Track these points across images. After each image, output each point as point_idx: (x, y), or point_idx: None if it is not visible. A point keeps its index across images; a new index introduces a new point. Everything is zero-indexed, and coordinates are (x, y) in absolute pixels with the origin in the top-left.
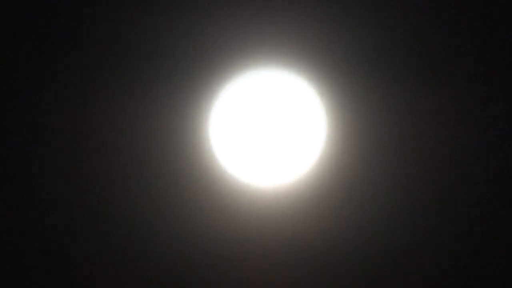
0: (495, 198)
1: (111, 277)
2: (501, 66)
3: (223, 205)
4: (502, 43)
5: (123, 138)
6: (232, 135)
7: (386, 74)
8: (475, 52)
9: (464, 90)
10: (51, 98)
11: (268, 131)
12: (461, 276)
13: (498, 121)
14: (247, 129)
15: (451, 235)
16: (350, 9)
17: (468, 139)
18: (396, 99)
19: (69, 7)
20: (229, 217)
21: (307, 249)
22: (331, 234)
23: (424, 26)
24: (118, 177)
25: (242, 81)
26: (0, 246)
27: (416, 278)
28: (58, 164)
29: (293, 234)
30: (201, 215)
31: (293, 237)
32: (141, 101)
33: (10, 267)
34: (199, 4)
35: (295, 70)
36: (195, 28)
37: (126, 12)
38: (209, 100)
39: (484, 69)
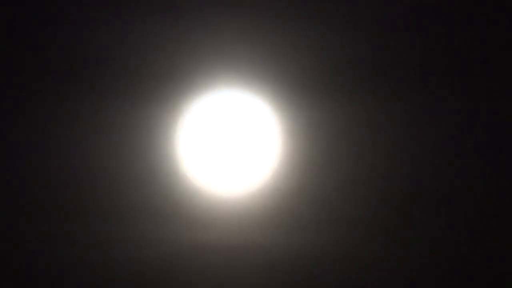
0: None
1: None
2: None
3: (186, 213)
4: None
5: (93, 149)
6: (196, 148)
7: (335, 93)
8: (432, 64)
9: (415, 97)
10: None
11: (229, 144)
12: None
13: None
14: (210, 143)
15: (409, 241)
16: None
17: (423, 148)
18: (341, 113)
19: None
20: (192, 224)
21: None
22: (284, 239)
23: (369, 44)
24: (87, 186)
25: (207, 99)
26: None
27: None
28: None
29: (251, 236)
30: (168, 221)
31: (250, 238)
32: (112, 114)
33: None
34: (177, 25)
35: (253, 90)
36: (169, 50)
37: (104, 27)
38: (177, 116)
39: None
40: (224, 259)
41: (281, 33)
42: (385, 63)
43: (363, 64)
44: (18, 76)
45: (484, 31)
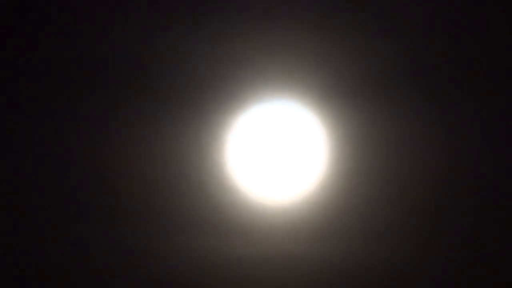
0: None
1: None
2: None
3: (237, 221)
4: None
5: (144, 159)
6: (245, 158)
7: (378, 102)
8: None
9: (453, 108)
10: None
11: (276, 154)
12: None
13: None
14: (259, 153)
15: (450, 249)
16: (346, 44)
17: (458, 154)
18: (386, 124)
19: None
20: (243, 231)
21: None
22: (329, 248)
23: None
24: (139, 196)
25: (255, 111)
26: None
27: None
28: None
29: (297, 246)
30: (215, 231)
31: (297, 247)
32: (162, 126)
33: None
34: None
35: (299, 102)
36: (217, 63)
37: (150, 42)
38: (227, 128)
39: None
40: (270, 270)
41: (324, 43)
42: (431, 70)
43: (407, 71)
44: (58, 83)
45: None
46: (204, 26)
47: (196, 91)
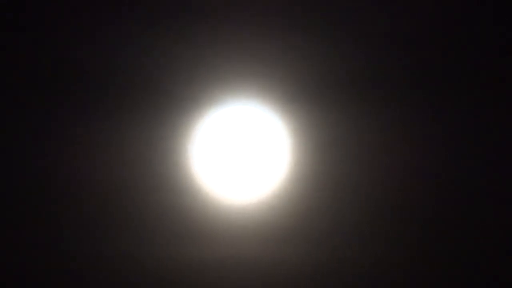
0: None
1: None
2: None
3: (198, 223)
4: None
5: (106, 162)
6: (207, 160)
7: (342, 106)
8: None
9: (418, 108)
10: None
11: (239, 156)
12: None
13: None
14: (221, 155)
15: (409, 251)
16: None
17: (429, 160)
18: (349, 127)
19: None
20: (208, 231)
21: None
22: (294, 244)
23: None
24: (100, 201)
25: (218, 114)
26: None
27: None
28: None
29: (259, 246)
30: (181, 230)
31: (264, 243)
32: (125, 128)
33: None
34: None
35: (261, 104)
36: (185, 65)
37: (116, 44)
38: (190, 128)
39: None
40: (230, 272)
41: (288, 46)
42: (399, 72)
43: (375, 73)
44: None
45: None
46: (164, 27)
47: (159, 94)
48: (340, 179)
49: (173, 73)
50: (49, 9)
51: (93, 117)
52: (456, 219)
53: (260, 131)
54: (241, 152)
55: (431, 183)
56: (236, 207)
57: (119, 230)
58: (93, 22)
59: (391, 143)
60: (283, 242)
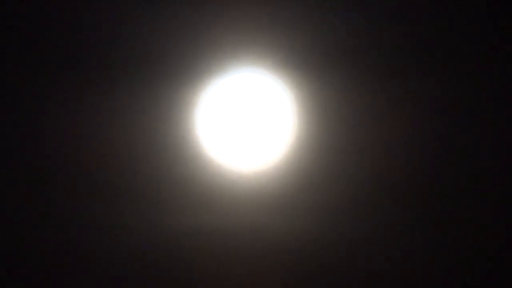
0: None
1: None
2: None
3: (207, 190)
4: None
5: (112, 131)
6: (216, 126)
7: (349, 74)
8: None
9: (432, 80)
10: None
11: (246, 122)
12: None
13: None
14: (229, 121)
15: (416, 229)
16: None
17: (431, 126)
18: (357, 96)
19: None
20: (213, 200)
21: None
22: (299, 214)
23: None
24: (104, 169)
25: (225, 79)
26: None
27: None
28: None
29: (268, 211)
30: (189, 198)
31: (268, 213)
32: (136, 97)
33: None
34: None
35: (268, 71)
36: (189, 32)
37: (119, 12)
38: (196, 95)
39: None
40: (235, 240)
41: (297, 13)
42: (406, 42)
43: (383, 43)
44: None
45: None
46: None
47: (164, 60)
48: (346, 147)
49: (178, 41)
50: None
51: (97, 86)
52: (464, 193)
53: (266, 99)
54: (246, 120)
55: (438, 152)
56: (242, 175)
57: (124, 200)
58: None
59: (398, 112)
60: (288, 211)
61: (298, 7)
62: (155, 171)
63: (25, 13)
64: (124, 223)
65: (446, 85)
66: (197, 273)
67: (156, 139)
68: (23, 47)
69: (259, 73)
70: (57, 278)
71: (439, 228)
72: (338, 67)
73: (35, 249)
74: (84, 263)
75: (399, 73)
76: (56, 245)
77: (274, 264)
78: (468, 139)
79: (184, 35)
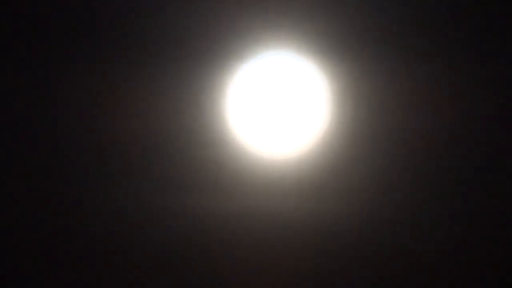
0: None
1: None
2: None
3: (237, 175)
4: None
5: (145, 113)
6: (246, 112)
7: (384, 59)
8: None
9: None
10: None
11: (278, 107)
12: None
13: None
14: (260, 105)
15: (457, 212)
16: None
17: (467, 112)
18: (391, 81)
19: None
20: (242, 186)
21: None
22: (331, 201)
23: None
24: (138, 153)
25: (256, 62)
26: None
27: (407, 252)
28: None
29: (298, 199)
30: (220, 183)
31: (298, 201)
32: (165, 82)
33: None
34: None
35: (301, 51)
36: (219, 16)
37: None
38: (226, 79)
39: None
40: (268, 224)
41: None
42: (440, 28)
43: (414, 26)
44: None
45: None
46: None
47: (196, 43)
48: (380, 132)
49: (208, 25)
50: None
51: (128, 69)
52: (497, 182)
53: (298, 83)
54: (277, 105)
55: (473, 133)
56: (272, 161)
57: (153, 182)
58: None
59: (432, 93)
60: (318, 197)
61: None
62: (184, 154)
63: None
64: (151, 205)
65: (489, 67)
66: (222, 257)
67: (187, 124)
68: (46, 28)
69: (291, 57)
70: (78, 261)
71: (467, 215)
72: (372, 50)
73: (56, 234)
74: (112, 245)
75: (438, 56)
76: (82, 229)
77: (300, 250)
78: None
79: (214, 18)
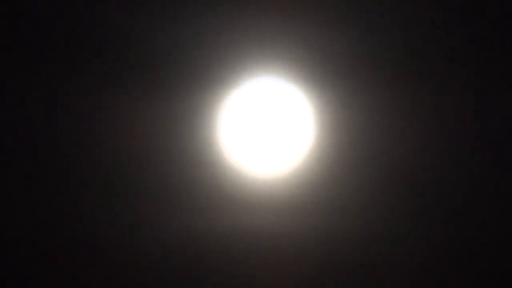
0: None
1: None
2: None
3: (227, 194)
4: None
5: (137, 137)
6: (236, 132)
7: (369, 84)
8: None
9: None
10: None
11: (265, 128)
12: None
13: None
14: (248, 127)
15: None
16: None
17: (450, 138)
18: (375, 105)
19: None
20: (233, 204)
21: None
22: (317, 217)
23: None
24: (128, 172)
25: (245, 87)
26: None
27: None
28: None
29: (288, 216)
30: (210, 202)
31: (287, 219)
32: (162, 104)
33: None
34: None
35: (288, 78)
36: (211, 46)
37: (144, 20)
38: (217, 103)
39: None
40: (258, 242)
41: (315, 23)
42: (424, 54)
43: (402, 53)
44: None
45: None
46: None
47: (187, 70)
48: (362, 154)
49: (203, 50)
50: None
51: (122, 91)
52: (474, 195)
53: (286, 106)
54: (266, 127)
55: (458, 158)
56: (262, 179)
57: (146, 201)
58: None
59: (414, 120)
60: (302, 215)
61: (315, 21)
62: (176, 174)
63: (48, 13)
64: (143, 222)
65: (463, 93)
66: (211, 274)
67: (181, 145)
68: (43, 49)
69: (279, 83)
70: (71, 276)
71: (452, 228)
72: (355, 76)
73: (53, 248)
74: (100, 261)
75: (418, 82)
76: (72, 244)
77: (289, 266)
78: (481, 146)
79: (207, 44)
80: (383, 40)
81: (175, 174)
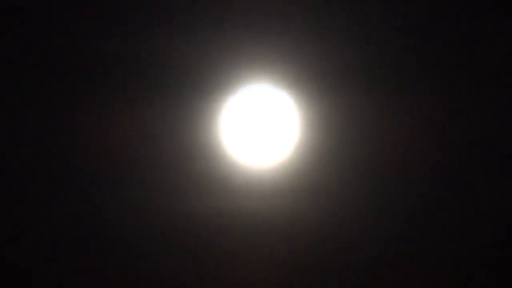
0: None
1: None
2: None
3: (226, 182)
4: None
5: (138, 139)
6: (235, 130)
7: (352, 88)
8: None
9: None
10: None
11: (258, 127)
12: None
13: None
14: (245, 125)
15: (433, 221)
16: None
17: (439, 143)
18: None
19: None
20: (231, 193)
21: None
22: (306, 207)
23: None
24: (134, 168)
25: (242, 93)
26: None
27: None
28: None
29: (276, 200)
30: (209, 192)
31: (279, 207)
32: (166, 108)
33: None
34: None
35: (277, 85)
36: (211, 54)
37: (143, 29)
38: (218, 105)
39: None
40: (252, 222)
41: (306, 27)
42: (415, 62)
43: (389, 58)
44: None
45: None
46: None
47: (191, 78)
48: (343, 147)
49: (202, 60)
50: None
51: (121, 96)
52: (465, 196)
53: (275, 109)
54: (260, 125)
55: (445, 163)
56: (256, 170)
57: (151, 189)
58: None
59: (404, 125)
60: (295, 198)
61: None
62: (179, 165)
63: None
64: (149, 207)
65: (447, 97)
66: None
67: (186, 141)
68: (44, 52)
69: (272, 89)
70: (81, 260)
71: (438, 245)
72: (344, 84)
73: (68, 234)
74: (110, 242)
75: (412, 89)
76: (84, 229)
77: (280, 241)
78: (470, 150)
79: (209, 55)
80: (373, 48)
81: (180, 166)
